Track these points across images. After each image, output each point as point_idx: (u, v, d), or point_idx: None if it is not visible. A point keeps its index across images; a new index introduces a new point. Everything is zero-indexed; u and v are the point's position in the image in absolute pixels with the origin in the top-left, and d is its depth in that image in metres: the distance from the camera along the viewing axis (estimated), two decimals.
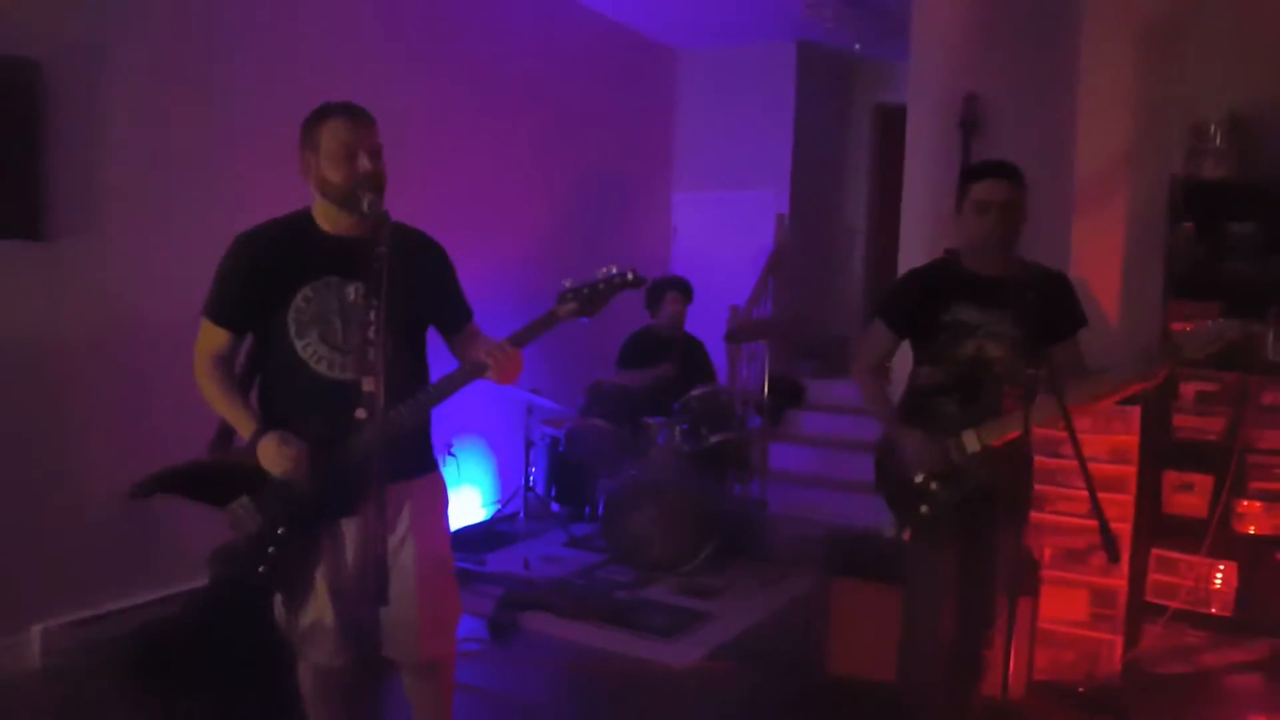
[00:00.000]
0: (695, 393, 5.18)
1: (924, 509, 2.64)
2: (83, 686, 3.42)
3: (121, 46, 3.72)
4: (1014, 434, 2.49)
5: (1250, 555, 3.67)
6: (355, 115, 2.24)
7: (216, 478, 2.27)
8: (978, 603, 2.69)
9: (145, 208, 3.82)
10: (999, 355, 2.59)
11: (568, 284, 2.27)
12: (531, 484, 5.70)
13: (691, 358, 5.58)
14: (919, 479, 2.64)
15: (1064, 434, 2.50)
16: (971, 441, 2.58)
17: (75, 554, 3.61)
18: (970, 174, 2.70)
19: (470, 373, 2.24)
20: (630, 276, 2.27)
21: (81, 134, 3.61)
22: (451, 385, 2.25)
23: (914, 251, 4.80)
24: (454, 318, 2.46)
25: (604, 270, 2.27)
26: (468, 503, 5.63)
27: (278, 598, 2.37)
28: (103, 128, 3.68)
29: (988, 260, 2.63)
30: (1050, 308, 2.59)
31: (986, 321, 2.60)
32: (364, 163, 2.20)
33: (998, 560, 2.64)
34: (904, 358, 2.86)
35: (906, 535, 2.73)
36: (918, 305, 2.71)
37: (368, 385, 2.04)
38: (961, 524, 2.64)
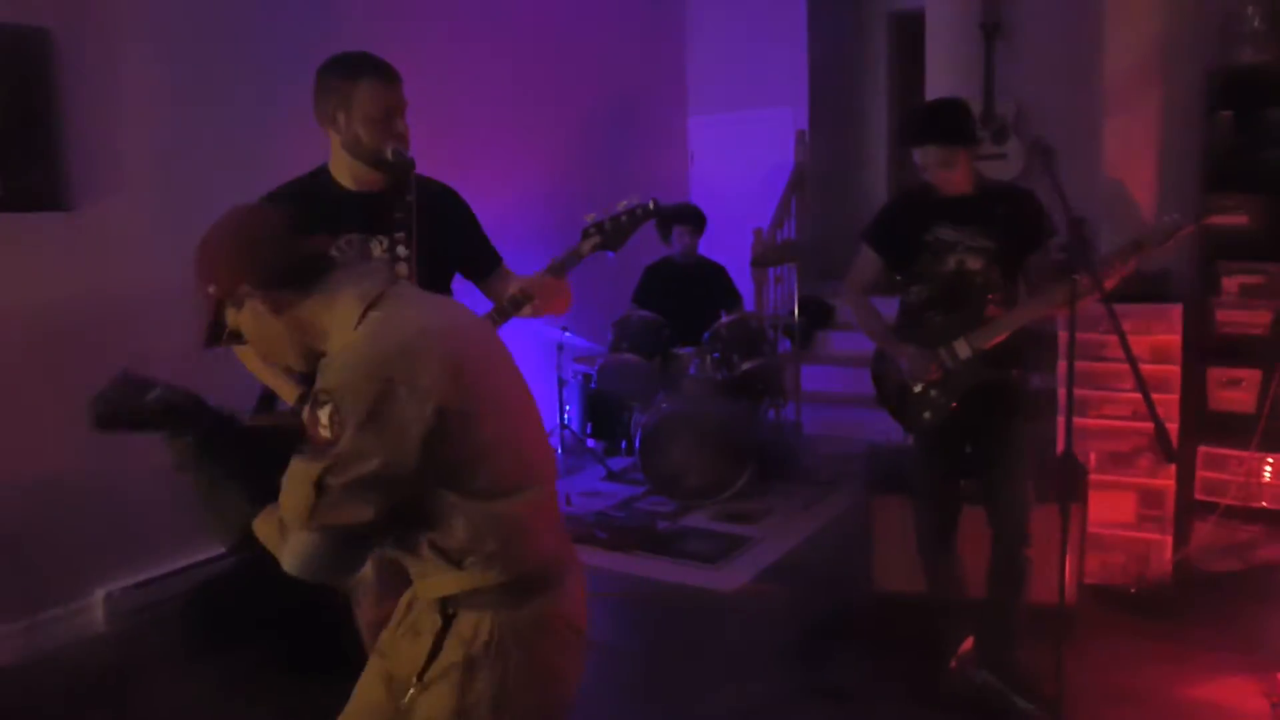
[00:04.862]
0: (724, 320, 5.15)
1: (927, 415, 2.85)
2: (148, 647, 3.50)
3: (133, 6, 3.64)
4: (1002, 336, 2.72)
5: None
6: (389, 76, 2.18)
7: (264, 441, 2.26)
8: (1005, 499, 2.82)
9: (169, 170, 3.78)
10: (978, 267, 2.78)
11: (589, 219, 2.25)
12: (566, 421, 5.72)
13: (714, 284, 5.52)
14: (918, 389, 2.85)
15: (1108, 337, 2.46)
16: (963, 348, 2.77)
17: (133, 517, 3.65)
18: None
19: (513, 306, 2.21)
20: (651, 206, 2.25)
21: (99, 100, 3.56)
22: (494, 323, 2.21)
23: None
24: (485, 263, 2.44)
25: (624, 202, 2.25)
26: None
27: None
28: (120, 92, 3.62)
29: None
30: (1021, 222, 2.77)
31: (962, 237, 2.78)
32: (400, 125, 2.17)
33: (1011, 454, 2.81)
34: None
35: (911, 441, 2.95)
36: (900, 228, 2.90)
37: None
38: (964, 424, 2.83)
